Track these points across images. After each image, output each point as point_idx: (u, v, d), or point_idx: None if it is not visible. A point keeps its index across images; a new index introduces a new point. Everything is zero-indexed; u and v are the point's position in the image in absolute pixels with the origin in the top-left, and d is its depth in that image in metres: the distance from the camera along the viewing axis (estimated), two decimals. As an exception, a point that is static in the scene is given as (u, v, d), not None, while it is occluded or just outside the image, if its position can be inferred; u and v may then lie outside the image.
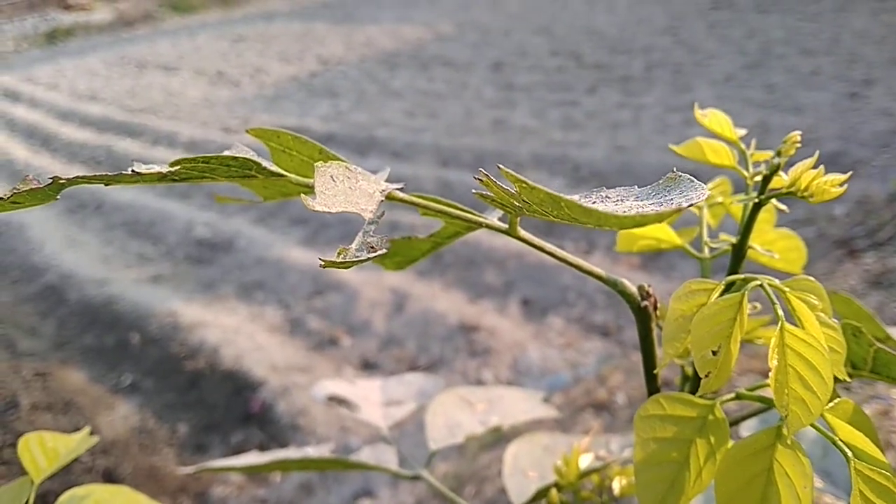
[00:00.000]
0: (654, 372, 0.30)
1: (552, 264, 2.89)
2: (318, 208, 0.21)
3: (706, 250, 0.35)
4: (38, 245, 3.74)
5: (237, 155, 0.23)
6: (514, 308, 2.77)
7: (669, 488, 0.25)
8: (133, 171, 0.22)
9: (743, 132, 0.34)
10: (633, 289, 0.30)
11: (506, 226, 0.27)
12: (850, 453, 0.24)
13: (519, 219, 0.26)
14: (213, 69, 7.27)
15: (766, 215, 0.37)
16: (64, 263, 3.48)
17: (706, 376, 0.25)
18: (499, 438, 1.82)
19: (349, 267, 0.20)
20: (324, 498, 2.05)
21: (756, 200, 0.31)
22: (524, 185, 0.20)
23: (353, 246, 0.21)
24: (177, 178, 0.23)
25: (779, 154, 0.29)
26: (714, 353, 0.25)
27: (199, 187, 3.86)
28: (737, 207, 0.35)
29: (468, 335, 2.63)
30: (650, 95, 4.78)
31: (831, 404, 0.26)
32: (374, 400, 0.57)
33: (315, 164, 0.22)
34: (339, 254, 0.21)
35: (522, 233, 0.27)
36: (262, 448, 2.22)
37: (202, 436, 2.35)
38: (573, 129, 4.35)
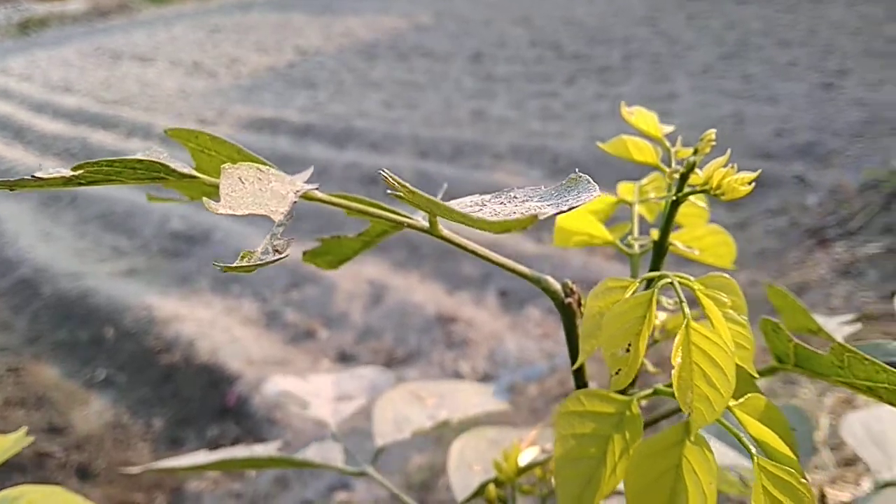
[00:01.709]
0: (573, 368, 0.30)
1: (530, 255, 2.90)
2: (221, 211, 0.20)
3: (636, 246, 0.35)
4: (12, 239, 3.69)
5: (142, 157, 0.22)
6: (491, 299, 2.77)
7: (587, 484, 0.25)
8: (34, 176, 0.22)
9: (670, 129, 0.34)
10: (557, 286, 0.30)
11: (427, 224, 0.27)
12: (753, 449, 0.24)
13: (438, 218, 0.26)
14: (189, 60, 7.19)
15: (697, 210, 0.37)
16: (38, 257, 3.44)
17: (616, 374, 0.25)
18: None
19: (252, 270, 0.20)
20: (299, 492, 2.05)
21: (674, 198, 0.31)
22: (406, 189, 0.20)
23: (259, 249, 0.21)
24: (82, 181, 0.23)
25: (696, 152, 0.30)
26: (627, 350, 0.25)
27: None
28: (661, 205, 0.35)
29: (446, 327, 2.64)
30: (628, 86, 4.79)
31: (741, 400, 0.26)
32: (326, 395, 0.57)
33: (222, 166, 0.21)
34: (242, 257, 0.21)
35: (445, 232, 0.27)
36: (237, 442, 2.22)
37: (177, 430, 2.34)
38: (552, 120, 4.36)
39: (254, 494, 2.07)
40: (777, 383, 1.30)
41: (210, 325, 2.69)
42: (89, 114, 5.59)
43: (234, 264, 0.20)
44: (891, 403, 0.26)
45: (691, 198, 0.30)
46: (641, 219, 0.39)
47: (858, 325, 0.38)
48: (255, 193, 0.22)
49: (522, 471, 0.42)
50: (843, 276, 1.92)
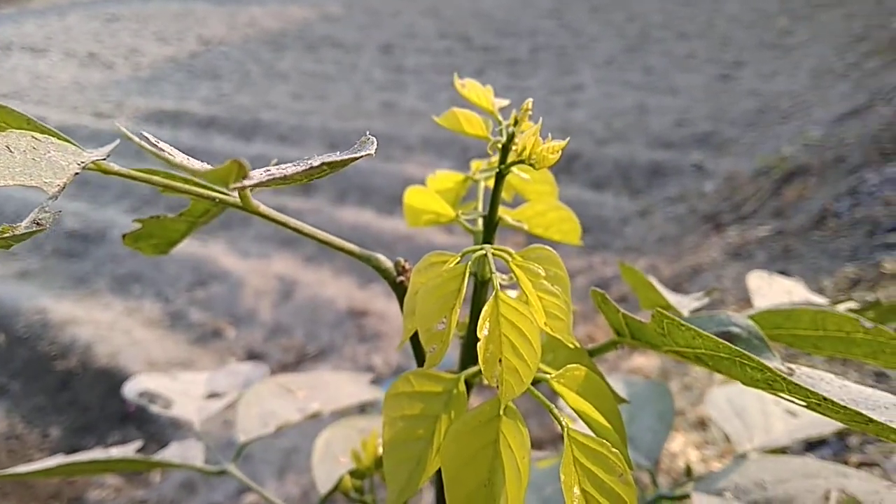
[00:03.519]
0: (397, 349, 0.30)
1: (441, 245, 2.90)
2: (-25, 183, 0.18)
3: (479, 223, 0.35)
4: None
5: None
6: (403, 291, 2.76)
7: (416, 466, 0.24)
8: None
9: (504, 103, 0.33)
10: (389, 264, 0.30)
11: (238, 200, 0.25)
12: (563, 421, 0.24)
13: (251, 192, 0.24)
14: (85, 50, 6.86)
15: (547, 188, 0.37)
16: (-83, 262, 3.21)
17: (431, 350, 0.24)
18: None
19: (8, 246, 0.18)
20: (207, 495, 1.99)
21: (498, 170, 0.30)
22: (138, 145, 0.19)
23: (24, 223, 0.19)
24: None
25: (515, 123, 0.29)
26: (442, 325, 0.25)
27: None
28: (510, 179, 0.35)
29: (358, 320, 2.61)
30: (536, 78, 4.86)
31: (560, 372, 0.26)
32: (195, 394, 0.54)
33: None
34: (3, 231, 0.19)
35: (262, 208, 0.26)
36: (142, 449, 2.13)
37: (76, 438, 2.24)
38: (461, 112, 4.37)
39: (158, 500, 2.00)
40: (669, 362, 1.34)
41: (109, 328, 2.57)
42: (-25, 108, 5.26)
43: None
44: (716, 370, 0.27)
45: (514, 168, 0.30)
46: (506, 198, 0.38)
47: (706, 300, 0.39)
48: (27, 164, 0.20)
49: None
50: (734, 259, 2.00)
